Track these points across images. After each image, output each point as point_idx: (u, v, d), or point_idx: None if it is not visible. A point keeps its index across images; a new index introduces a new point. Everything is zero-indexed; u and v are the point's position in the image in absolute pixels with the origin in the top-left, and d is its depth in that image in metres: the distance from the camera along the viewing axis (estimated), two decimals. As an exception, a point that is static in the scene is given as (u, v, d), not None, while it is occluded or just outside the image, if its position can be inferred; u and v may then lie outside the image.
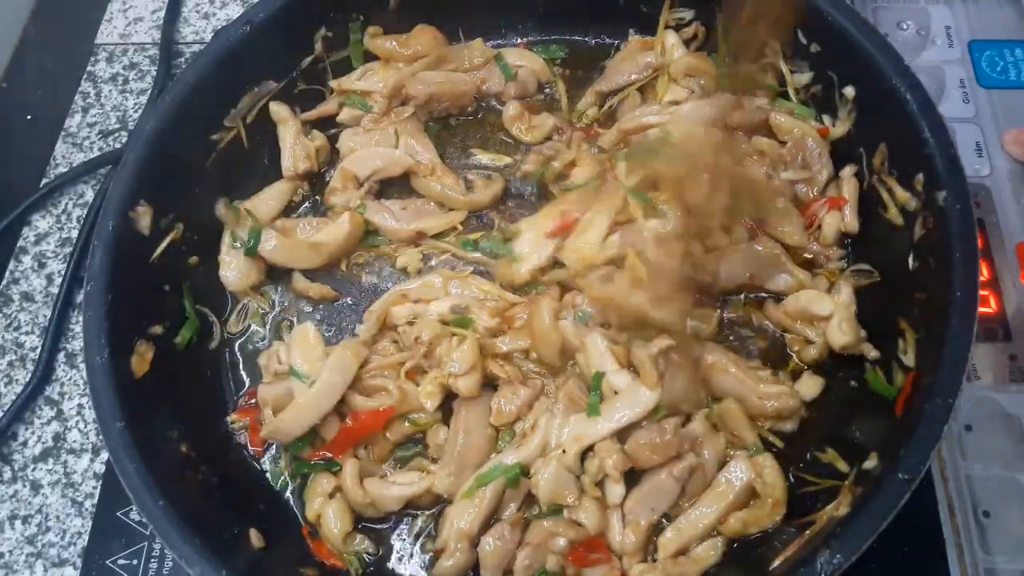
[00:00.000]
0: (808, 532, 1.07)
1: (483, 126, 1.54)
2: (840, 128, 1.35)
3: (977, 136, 1.49)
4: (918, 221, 1.20)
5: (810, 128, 1.35)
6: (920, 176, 1.19)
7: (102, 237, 1.21)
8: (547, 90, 1.56)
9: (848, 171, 1.32)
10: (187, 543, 1.04)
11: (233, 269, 1.37)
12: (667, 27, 1.49)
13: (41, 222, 1.59)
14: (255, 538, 1.16)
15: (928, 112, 1.18)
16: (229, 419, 1.32)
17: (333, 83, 1.49)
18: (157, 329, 1.26)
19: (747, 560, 1.13)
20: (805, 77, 1.38)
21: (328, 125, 1.52)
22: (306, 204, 1.49)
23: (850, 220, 1.31)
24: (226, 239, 1.37)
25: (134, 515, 1.30)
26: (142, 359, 1.21)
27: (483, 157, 1.50)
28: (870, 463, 1.09)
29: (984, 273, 1.34)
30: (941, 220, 1.14)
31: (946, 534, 1.21)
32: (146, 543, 1.28)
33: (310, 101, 1.50)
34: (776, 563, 1.05)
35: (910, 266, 1.21)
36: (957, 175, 1.14)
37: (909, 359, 1.15)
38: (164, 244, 1.30)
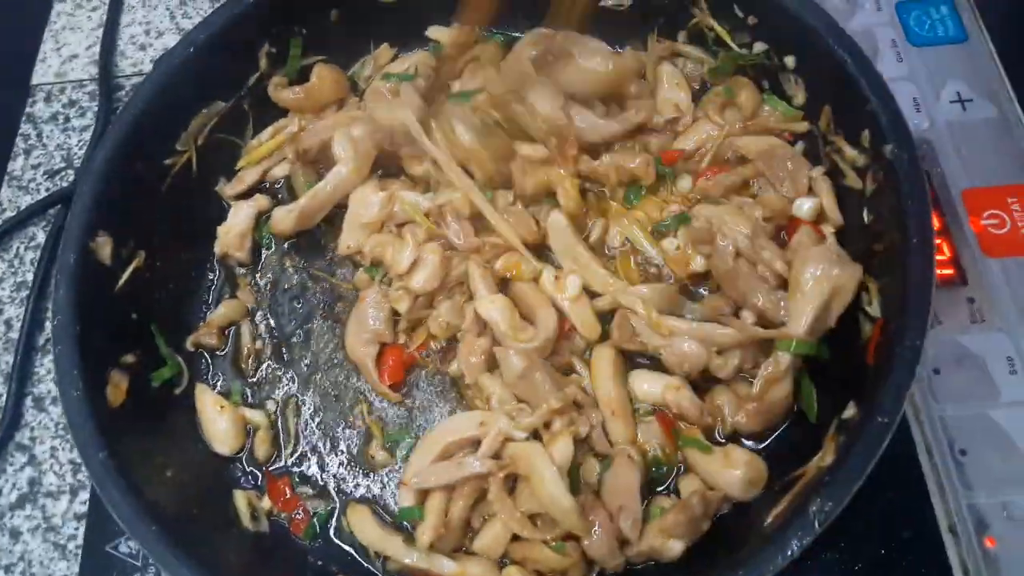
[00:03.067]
0: (798, 485, 1.09)
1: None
2: (799, 99, 1.37)
3: (914, 92, 1.54)
4: (868, 176, 1.24)
5: (774, 140, 1.37)
6: (866, 132, 1.22)
7: (64, 271, 1.20)
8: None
9: (818, 172, 1.33)
10: (183, 565, 1.03)
11: (220, 436, 1.29)
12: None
13: (-7, 268, 1.56)
14: (251, 556, 1.15)
15: (866, 70, 1.22)
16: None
17: (245, 149, 1.50)
18: (129, 358, 1.24)
19: (740, 519, 1.15)
20: (760, 47, 1.39)
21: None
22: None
23: (833, 215, 1.30)
24: (207, 398, 1.32)
25: (123, 548, 1.28)
26: (117, 388, 1.19)
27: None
28: (848, 412, 1.11)
29: (935, 222, 1.38)
30: (890, 171, 1.17)
31: (927, 475, 1.25)
32: (139, 574, 1.27)
33: (263, 116, 1.50)
34: (769, 519, 1.08)
35: (865, 220, 1.24)
36: (901, 126, 1.17)
37: (875, 309, 1.17)
38: (127, 273, 1.28)
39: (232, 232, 1.41)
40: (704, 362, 1.21)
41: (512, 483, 1.19)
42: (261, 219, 1.46)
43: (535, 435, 1.19)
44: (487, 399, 1.25)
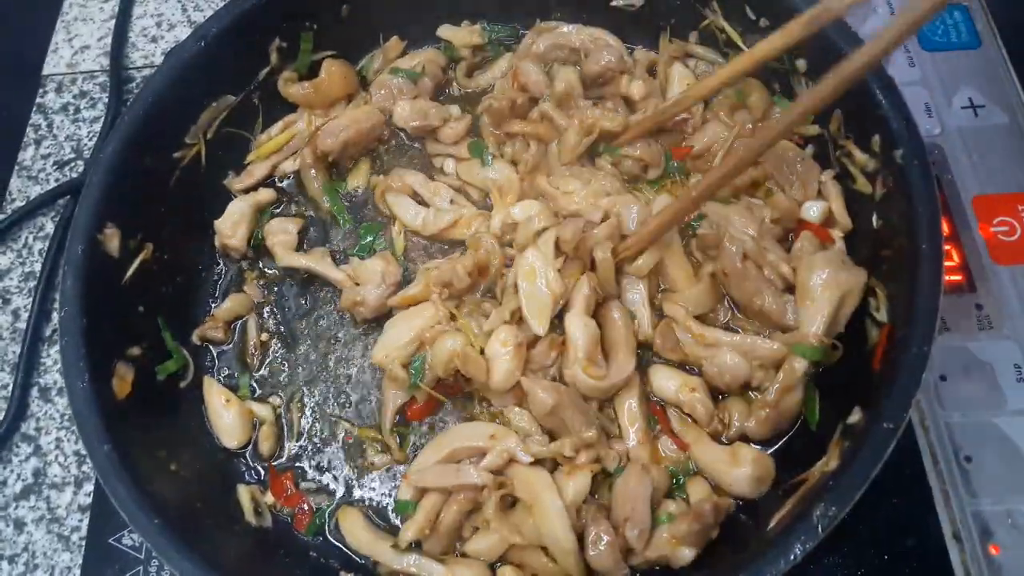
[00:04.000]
0: (802, 489, 1.09)
1: (409, 149, 1.53)
2: None
3: (925, 98, 1.54)
4: (877, 180, 1.23)
5: (784, 142, 1.36)
6: (876, 137, 1.22)
7: (72, 262, 1.20)
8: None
9: (828, 175, 1.33)
10: (186, 559, 1.03)
11: (227, 430, 1.30)
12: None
13: (2, 258, 1.56)
14: (254, 551, 1.15)
15: (878, 74, 1.21)
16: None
17: (254, 143, 1.50)
18: (135, 351, 1.25)
19: (744, 522, 1.15)
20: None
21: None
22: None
23: (842, 219, 1.31)
24: (214, 391, 1.32)
25: (127, 540, 1.29)
26: (123, 381, 1.20)
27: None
28: (854, 417, 1.11)
29: (944, 228, 1.37)
30: (900, 177, 1.17)
31: (931, 482, 1.25)
32: (141, 567, 1.27)
33: (273, 111, 1.51)
34: (772, 522, 1.07)
35: (874, 225, 1.24)
36: (912, 132, 1.17)
37: (882, 315, 1.17)
38: (134, 265, 1.29)
39: (227, 223, 1.41)
40: (746, 375, 1.21)
41: (511, 502, 1.18)
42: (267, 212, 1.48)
43: (555, 465, 1.19)
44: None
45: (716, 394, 1.25)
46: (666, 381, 1.24)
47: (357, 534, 1.21)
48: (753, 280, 1.24)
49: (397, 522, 1.23)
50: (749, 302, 1.25)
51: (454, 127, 1.46)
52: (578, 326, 1.21)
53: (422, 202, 1.43)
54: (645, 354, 1.29)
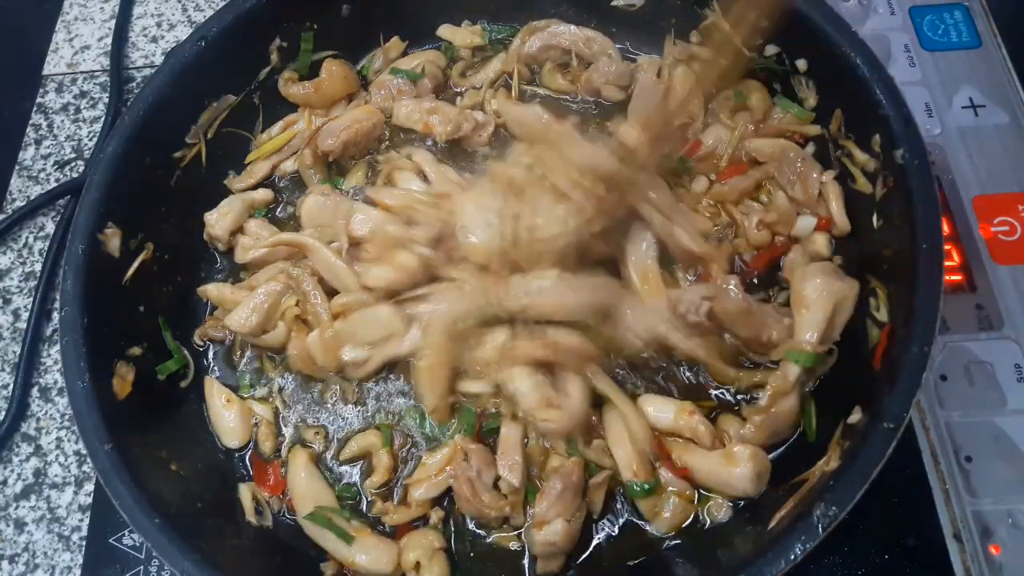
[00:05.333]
0: (802, 489, 1.09)
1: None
2: (810, 102, 1.37)
3: (926, 98, 1.54)
4: (878, 180, 1.24)
5: (786, 142, 1.37)
6: (877, 137, 1.22)
7: (72, 262, 1.20)
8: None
9: (828, 176, 1.33)
10: (186, 559, 1.03)
11: (228, 430, 1.30)
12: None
13: (2, 258, 1.56)
14: (254, 551, 1.15)
15: (878, 74, 1.21)
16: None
17: (255, 143, 1.51)
18: (135, 351, 1.25)
19: (743, 522, 1.15)
20: (771, 49, 1.39)
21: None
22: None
23: (840, 222, 1.30)
24: (215, 391, 1.32)
25: (127, 540, 1.29)
26: (123, 381, 1.20)
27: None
28: (854, 417, 1.11)
29: (944, 228, 1.37)
30: (901, 176, 1.17)
31: (932, 481, 1.24)
32: (142, 567, 1.27)
33: (273, 110, 1.51)
34: (773, 522, 1.07)
35: (875, 224, 1.24)
36: (912, 131, 1.17)
37: (882, 315, 1.18)
38: (135, 265, 1.29)
39: (214, 214, 1.41)
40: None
41: None
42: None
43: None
44: None
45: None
46: (659, 411, 1.22)
47: (297, 475, 1.22)
48: (757, 314, 1.22)
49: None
50: (756, 336, 1.22)
51: (482, 134, 1.46)
52: (520, 390, 1.20)
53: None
54: (632, 380, 1.28)
